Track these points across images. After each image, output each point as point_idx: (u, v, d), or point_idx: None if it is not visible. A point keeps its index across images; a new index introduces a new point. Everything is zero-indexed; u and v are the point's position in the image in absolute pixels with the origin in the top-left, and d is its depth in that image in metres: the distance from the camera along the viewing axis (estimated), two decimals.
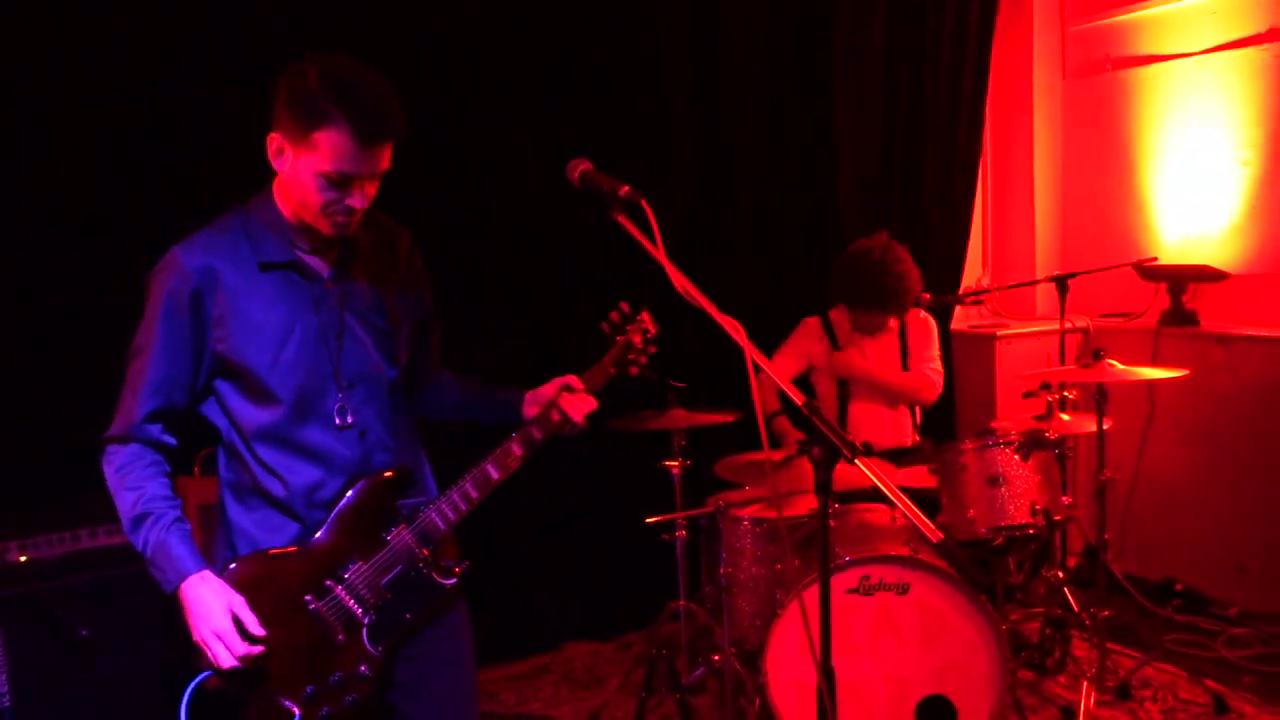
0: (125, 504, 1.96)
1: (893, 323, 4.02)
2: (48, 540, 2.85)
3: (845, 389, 3.99)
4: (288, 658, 1.95)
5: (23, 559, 2.79)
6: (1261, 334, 4.21)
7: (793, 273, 4.50)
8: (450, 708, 2.17)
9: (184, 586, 1.91)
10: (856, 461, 1.55)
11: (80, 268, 3.21)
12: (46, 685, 2.75)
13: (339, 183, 1.88)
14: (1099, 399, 3.39)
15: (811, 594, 2.97)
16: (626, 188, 1.93)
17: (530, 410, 2.19)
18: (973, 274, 5.16)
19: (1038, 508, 3.17)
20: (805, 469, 3.12)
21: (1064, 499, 3.31)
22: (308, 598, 1.98)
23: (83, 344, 3.11)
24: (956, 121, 4.78)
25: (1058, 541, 4.21)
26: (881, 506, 3.34)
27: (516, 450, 2.09)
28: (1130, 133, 4.86)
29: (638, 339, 2.22)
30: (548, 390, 2.17)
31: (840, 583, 2.99)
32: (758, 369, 1.74)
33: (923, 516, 1.47)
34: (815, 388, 4.07)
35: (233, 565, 1.98)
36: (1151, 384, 3.94)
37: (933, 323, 4.10)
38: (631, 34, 4.13)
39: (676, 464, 3.42)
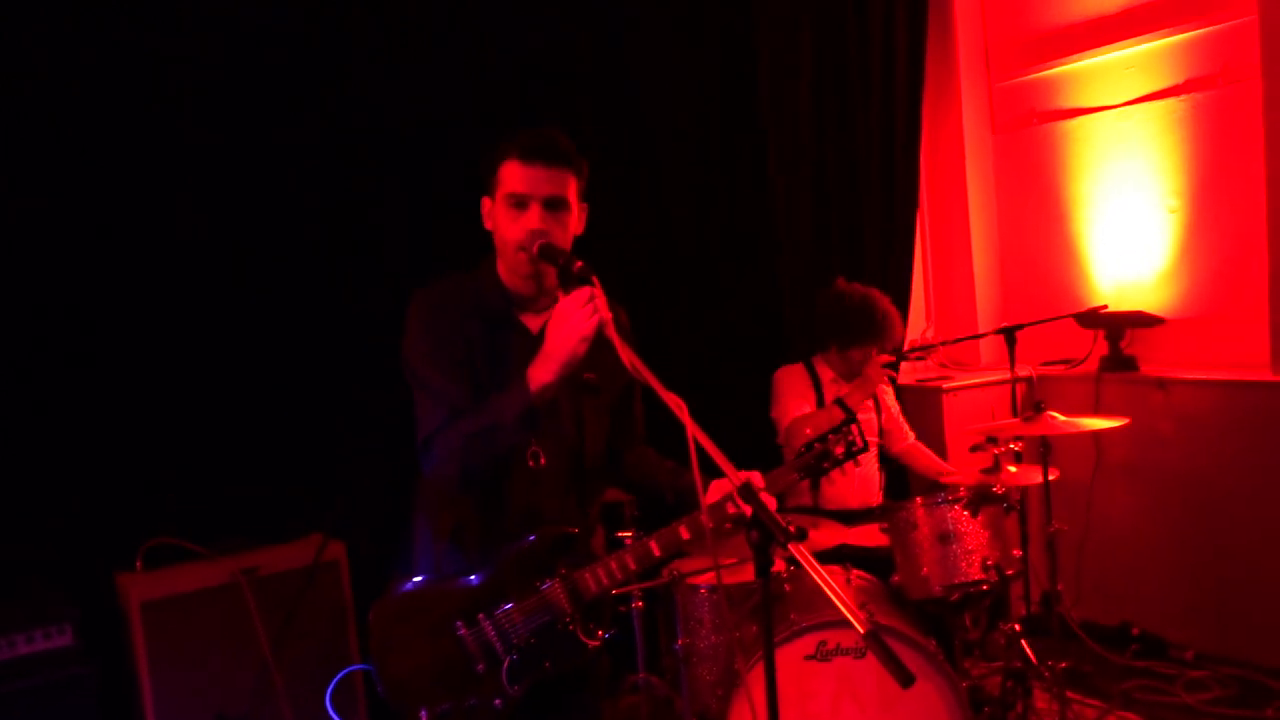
0: (471, 429, 2.09)
1: None
2: None
3: None
4: (431, 673, 2.11)
5: None
6: (1198, 377, 4.30)
7: (734, 339, 4.50)
8: None
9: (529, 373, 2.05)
10: (788, 547, 1.54)
11: None
12: None
13: (517, 205, 2.13)
14: (1043, 451, 3.42)
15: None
16: (580, 263, 2.05)
17: (710, 497, 2.21)
18: (916, 328, 5.22)
19: (989, 563, 3.19)
20: None
21: (1015, 552, 3.33)
22: (458, 624, 2.11)
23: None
24: (891, 181, 4.86)
25: (1015, 592, 4.22)
26: (837, 568, 3.33)
27: (683, 533, 2.15)
28: (1061, 184, 4.98)
29: (840, 449, 2.21)
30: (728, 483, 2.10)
31: (798, 649, 2.96)
32: (699, 447, 1.75)
33: (851, 605, 1.47)
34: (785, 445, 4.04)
35: (407, 586, 2.19)
36: (1096, 431, 3.99)
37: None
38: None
39: (630, 534, 3.39)
